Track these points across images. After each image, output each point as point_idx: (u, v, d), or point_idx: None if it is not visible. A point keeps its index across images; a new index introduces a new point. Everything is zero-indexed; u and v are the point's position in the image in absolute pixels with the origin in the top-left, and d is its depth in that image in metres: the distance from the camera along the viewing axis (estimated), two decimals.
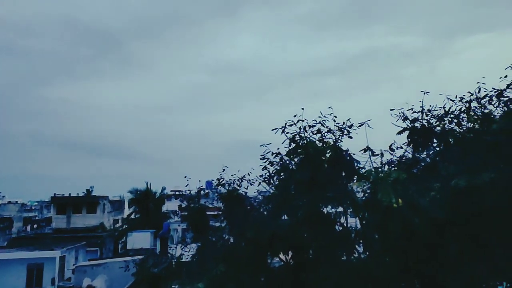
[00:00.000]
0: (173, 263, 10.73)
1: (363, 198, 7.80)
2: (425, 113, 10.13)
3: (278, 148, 8.91)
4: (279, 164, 9.13)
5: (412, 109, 10.33)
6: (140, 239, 38.31)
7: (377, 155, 8.16)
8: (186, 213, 11.94)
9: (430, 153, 9.90)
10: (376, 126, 10.62)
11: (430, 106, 10.16)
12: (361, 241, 8.12)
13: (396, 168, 11.28)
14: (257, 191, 11.31)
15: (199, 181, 12.13)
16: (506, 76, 8.70)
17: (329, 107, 8.58)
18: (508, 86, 8.66)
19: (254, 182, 10.93)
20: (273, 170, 9.34)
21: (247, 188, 11.21)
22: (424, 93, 9.95)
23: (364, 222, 7.82)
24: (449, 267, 6.83)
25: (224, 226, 11.47)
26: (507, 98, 8.73)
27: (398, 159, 8.08)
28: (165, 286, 10.27)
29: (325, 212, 8.92)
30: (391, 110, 10.62)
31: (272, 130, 8.46)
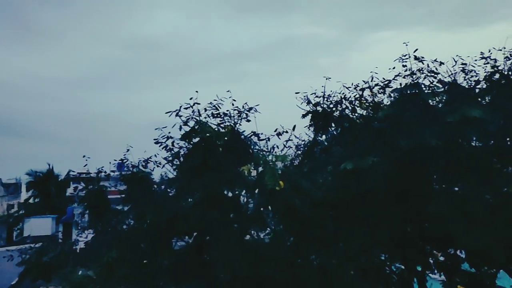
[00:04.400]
0: (65, 249, 9.95)
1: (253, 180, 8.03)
2: (326, 98, 10.80)
3: (170, 132, 8.75)
4: (172, 148, 8.98)
5: (315, 93, 10.97)
6: (40, 225, 35.21)
7: (263, 139, 8.47)
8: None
9: (328, 136, 10.58)
10: (294, 110, 11.04)
11: (331, 91, 10.86)
12: (257, 222, 8.37)
13: (298, 151, 11.90)
14: (164, 173, 11.02)
15: (109, 162, 11.34)
16: (394, 68, 9.58)
17: (228, 91, 8.62)
18: (394, 78, 9.54)
19: (160, 164, 10.61)
20: (174, 153, 9.13)
21: (153, 170, 10.85)
22: (326, 79, 10.60)
23: (255, 204, 8.08)
24: (325, 246, 7.43)
25: (128, 210, 10.96)
26: (392, 88, 9.64)
27: (284, 143, 8.47)
28: (55, 275, 9.48)
29: (229, 194, 9.04)
30: (296, 93, 11.16)
31: (166, 113, 8.26)
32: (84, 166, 11.04)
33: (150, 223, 9.31)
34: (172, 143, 8.79)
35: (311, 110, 11.05)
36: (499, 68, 9.39)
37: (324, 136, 11.09)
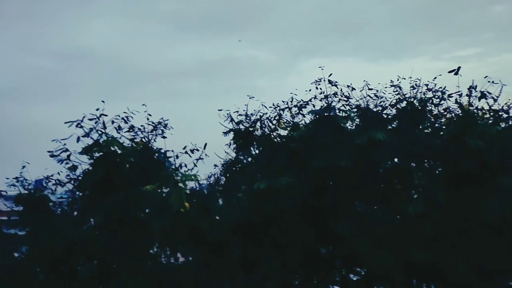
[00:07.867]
0: None
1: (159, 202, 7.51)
2: (248, 117, 10.73)
3: (65, 144, 7.93)
4: (71, 163, 8.15)
5: (237, 112, 10.84)
6: None
7: (170, 157, 8.07)
8: None
9: (247, 156, 10.45)
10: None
11: (254, 110, 10.80)
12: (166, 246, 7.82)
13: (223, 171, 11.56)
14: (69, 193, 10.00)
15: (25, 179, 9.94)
16: (310, 90, 9.81)
17: (143, 104, 8.12)
18: (309, 100, 9.76)
19: (64, 183, 9.60)
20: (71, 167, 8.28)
21: (55, 189, 9.78)
22: (250, 98, 10.54)
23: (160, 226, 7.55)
24: (229, 274, 7.13)
25: (24, 235, 9.71)
26: (307, 110, 9.84)
27: (194, 162, 8.11)
28: None
29: (136, 216, 8.37)
30: (219, 110, 10.93)
31: (65, 123, 7.50)
32: None
33: (46, 250, 8.30)
34: (68, 156, 7.93)
35: (234, 128, 10.92)
36: (406, 96, 10.11)
37: (244, 155, 10.95)
